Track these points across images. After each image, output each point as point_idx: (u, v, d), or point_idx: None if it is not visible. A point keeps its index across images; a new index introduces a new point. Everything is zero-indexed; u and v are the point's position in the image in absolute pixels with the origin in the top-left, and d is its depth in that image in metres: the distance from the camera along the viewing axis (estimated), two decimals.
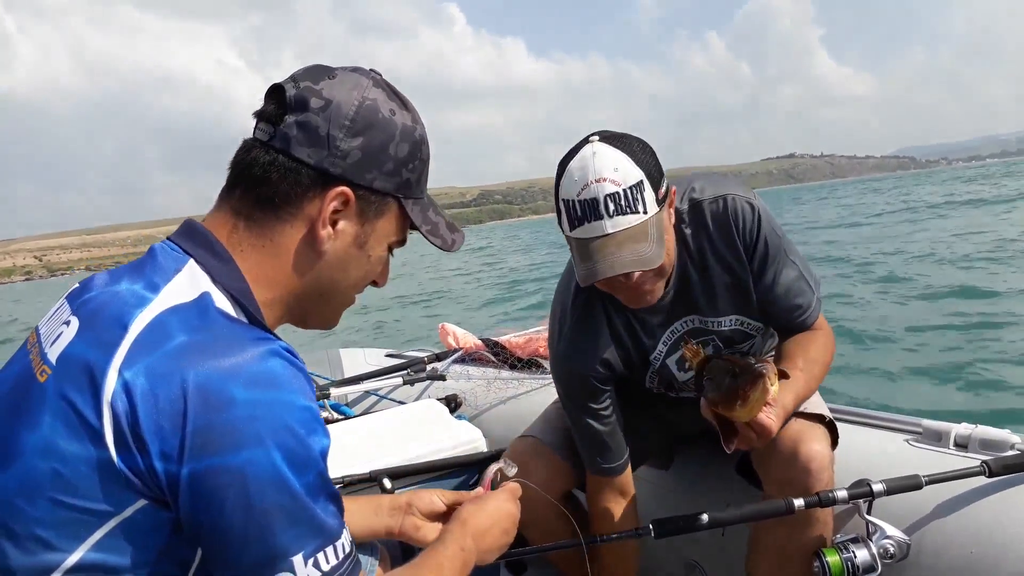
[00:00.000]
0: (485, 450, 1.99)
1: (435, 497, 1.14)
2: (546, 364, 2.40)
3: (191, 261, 0.80)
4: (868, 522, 1.33)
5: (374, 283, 0.93)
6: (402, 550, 1.64)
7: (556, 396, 1.82)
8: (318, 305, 0.88)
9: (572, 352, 1.46)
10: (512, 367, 2.45)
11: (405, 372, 2.48)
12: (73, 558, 0.69)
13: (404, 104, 0.87)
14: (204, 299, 0.77)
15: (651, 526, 1.27)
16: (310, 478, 0.71)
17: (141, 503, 0.69)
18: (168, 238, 0.83)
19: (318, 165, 0.81)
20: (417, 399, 2.46)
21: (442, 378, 2.41)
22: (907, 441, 1.54)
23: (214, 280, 0.79)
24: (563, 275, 1.53)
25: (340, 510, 0.76)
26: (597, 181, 1.20)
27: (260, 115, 0.84)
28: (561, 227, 1.27)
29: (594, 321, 1.45)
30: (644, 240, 1.20)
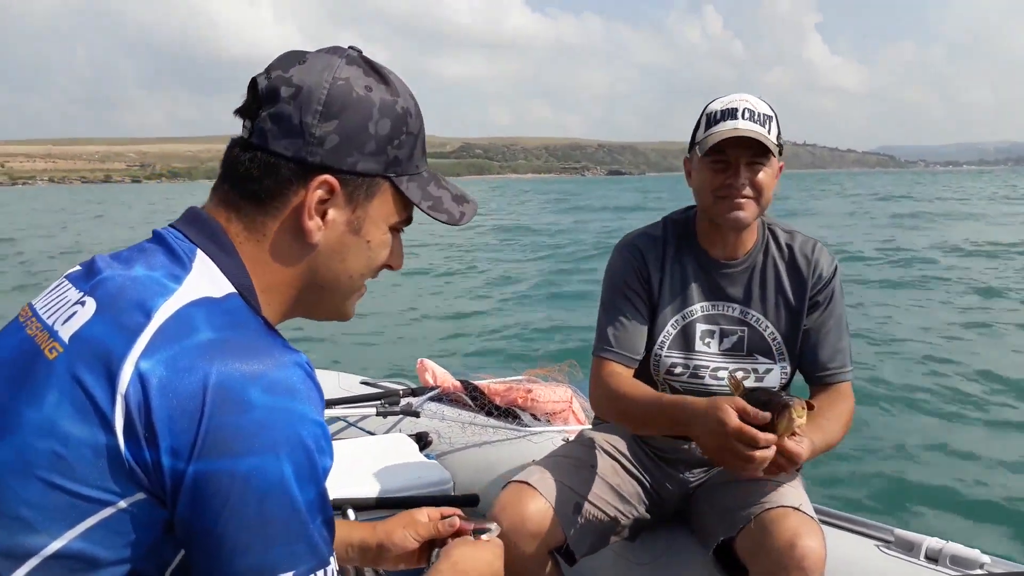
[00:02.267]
0: (452, 493, 1.96)
1: (408, 539, 1.10)
2: (524, 416, 2.38)
3: (199, 252, 0.78)
4: None
5: (389, 267, 0.89)
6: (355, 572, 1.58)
7: (536, 452, 1.79)
8: (322, 297, 0.86)
9: (631, 246, 1.67)
10: (488, 413, 2.42)
11: (379, 403, 2.44)
12: (56, 544, 0.66)
13: (383, 79, 0.83)
14: (233, 299, 0.76)
15: None
16: (312, 496, 0.70)
17: (140, 496, 0.67)
18: (171, 225, 0.82)
19: (296, 156, 0.78)
20: (387, 432, 2.42)
21: (416, 414, 2.38)
22: (877, 547, 1.54)
23: (224, 273, 0.78)
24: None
25: (332, 536, 0.74)
26: (741, 100, 1.55)
27: (239, 111, 0.82)
28: (694, 138, 1.58)
29: (658, 248, 1.66)
30: (765, 140, 1.49)
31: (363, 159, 0.81)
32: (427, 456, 2.24)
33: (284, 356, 0.72)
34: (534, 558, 1.48)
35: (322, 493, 0.72)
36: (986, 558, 1.43)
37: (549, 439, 2.22)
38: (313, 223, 0.80)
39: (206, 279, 0.76)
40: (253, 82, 0.82)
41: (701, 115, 1.58)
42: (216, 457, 0.66)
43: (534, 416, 2.41)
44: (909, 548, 1.50)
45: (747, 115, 1.52)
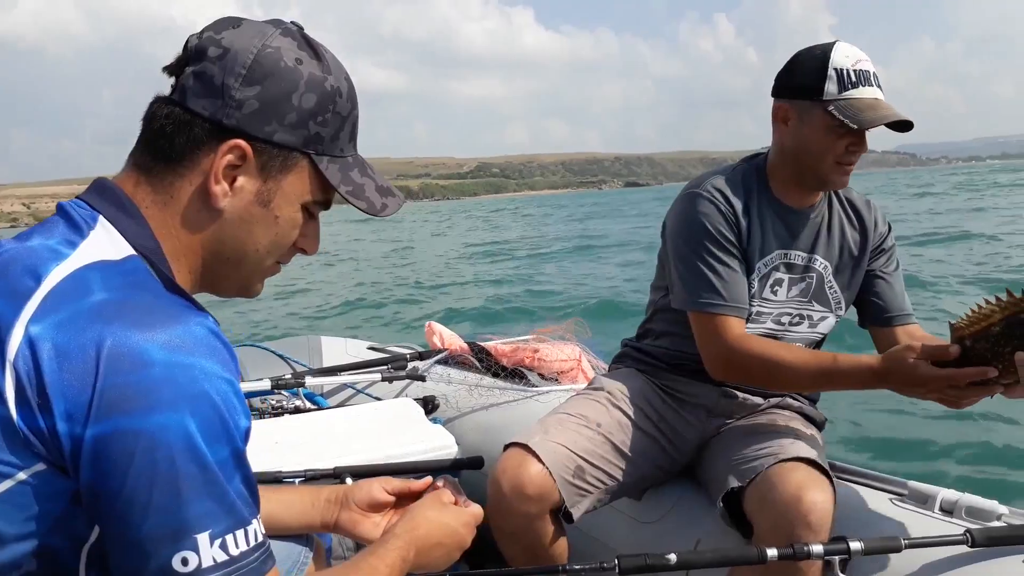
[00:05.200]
0: (457, 456, 1.94)
1: (375, 488, 1.08)
2: (531, 376, 2.35)
3: (101, 217, 0.76)
4: None
5: (303, 251, 0.87)
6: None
7: (543, 412, 1.76)
8: (227, 269, 0.83)
9: (717, 191, 1.56)
10: (495, 375, 2.40)
11: (385, 368, 2.43)
12: None
13: (317, 55, 0.82)
14: (133, 261, 0.74)
15: (616, 561, 1.22)
16: (225, 454, 0.67)
17: (39, 467, 0.65)
18: (77, 196, 0.80)
19: (212, 117, 0.77)
20: (396, 397, 2.40)
21: (422, 378, 2.35)
22: (891, 500, 1.49)
23: (126, 239, 0.75)
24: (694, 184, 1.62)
25: (254, 498, 0.71)
26: (866, 60, 1.47)
27: (166, 68, 0.80)
28: (823, 89, 1.45)
29: (739, 194, 1.57)
30: (908, 119, 1.45)
31: (281, 130, 0.79)
32: (434, 420, 2.22)
33: (187, 316, 0.70)
34: (535, 519, 1.46)
35: (236, 452, 0.69)
36: (1004, 508, 1.37)
37: (556, 398, 2.18)
38: (220, 188, 0.78)
39: (105, 243, 0.74)
40: (187, 41, 0.81)
41: (824, 64, 1.46)
42: (116, 417, 0.63)
43: (542, 376, 2.38)
44: (923, 500, 1.45)
45: (876, 80, 1.46)
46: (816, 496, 1.29)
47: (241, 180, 0.78)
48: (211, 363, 0.67)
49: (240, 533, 0.68)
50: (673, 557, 1.22)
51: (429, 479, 1.08)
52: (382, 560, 0.89)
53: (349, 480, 1.68)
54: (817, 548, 1.23)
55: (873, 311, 1.64)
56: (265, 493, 1.09)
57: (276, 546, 1.07)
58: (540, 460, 1.45)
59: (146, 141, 0.79)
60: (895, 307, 1.62)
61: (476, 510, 1.03)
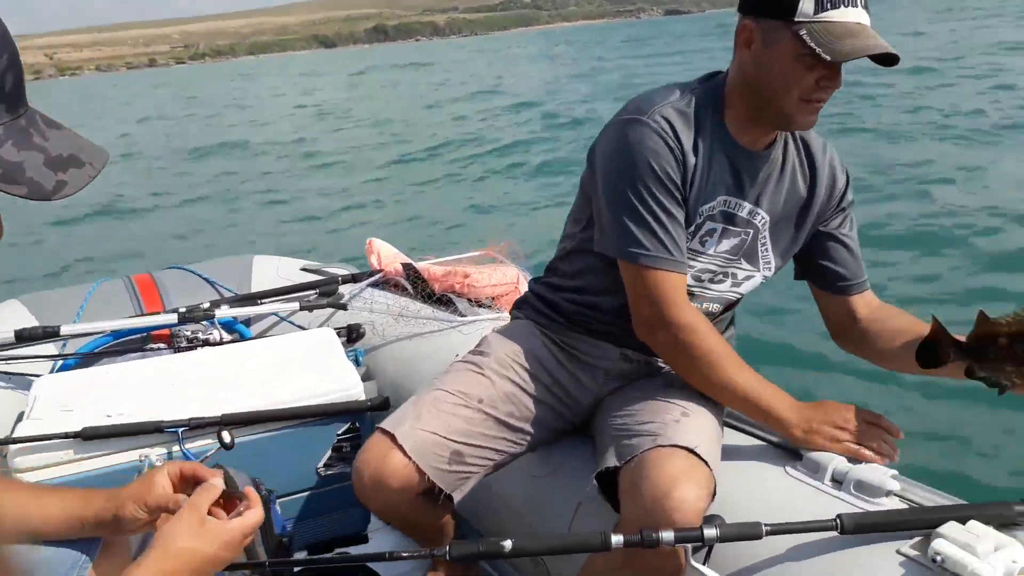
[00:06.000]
0: (362, 398, 1.86)
1: (138, 511, 0.95)
2: (458, 303, 2.23)
3: None
4: (694, 569, 1.19)
5: None
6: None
7: (464, 344, 1.66)
8: None
9: (664, 122, 1.32)
10: (424, 300, 2.29)
11: (308, 295, 2.33)
12: None
13: None
14: None
15: (447, 549, 1.14)
16: None
17: None
18: None
19: None
20: (321, 325, 2.32)
21: (343, 307, 2.25)
22: (784, 468, 1.38)
23: None
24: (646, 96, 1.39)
25: None
26: None
27: None
28: (796, 7, 1.21)
29: (690, 127, 1.35)
30: (895, 53, 1.23)
31: None
32: (355, 352, 2.14)
33: None
34: (402, 503, 1.40)
35: None
36: (895, 484, 1.25)
37: (480, 328, 2.08)
38: None
39: None
40: None
41: None
42: None
43: (471, 302, 2.26)
44: (816, 469, 1.34)
45: (863, 0, 1.24)
46: (687, 493, 1.19)
47: None
48: None
49: None
50: (508, 544, 1.14)
51: (180, 500, 0.95)
52: None
53: (226, 435, 1.61)
54: (667, 535, 1.13)
55: (828, 278, 1.49)
56: (27, 500, 0.99)
57: (48, 552, 1.00)
58: (406, 452, 1.35)
59: None
60: (853, 274, 1.48)
61: (247, 521, 0.90)
